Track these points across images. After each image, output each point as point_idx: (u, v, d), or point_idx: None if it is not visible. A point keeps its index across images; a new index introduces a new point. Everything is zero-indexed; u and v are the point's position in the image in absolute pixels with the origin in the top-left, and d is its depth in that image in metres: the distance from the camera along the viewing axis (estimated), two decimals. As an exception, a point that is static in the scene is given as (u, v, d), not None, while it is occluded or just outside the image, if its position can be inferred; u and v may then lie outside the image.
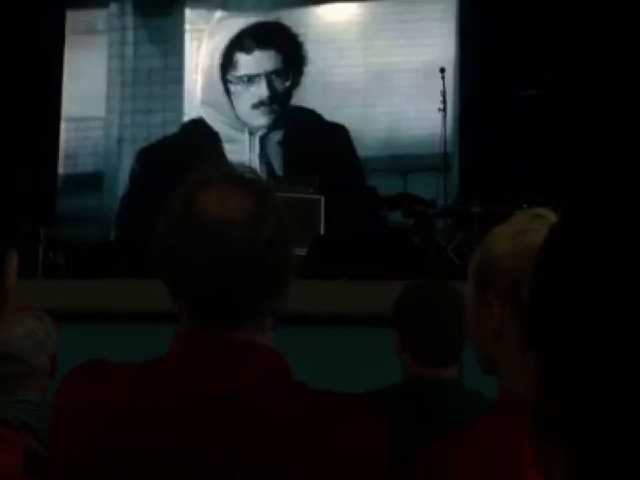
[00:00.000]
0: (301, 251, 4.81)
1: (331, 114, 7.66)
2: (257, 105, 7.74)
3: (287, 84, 7.76)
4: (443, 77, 5.96)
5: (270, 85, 7.76)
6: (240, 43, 7.82)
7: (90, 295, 3.84)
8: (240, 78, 7.82)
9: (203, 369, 1.12)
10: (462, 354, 1.89)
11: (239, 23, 7.84)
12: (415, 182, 6.48)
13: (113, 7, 8.07)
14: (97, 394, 1.13)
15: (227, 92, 7.84)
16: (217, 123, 7.76)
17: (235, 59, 7.83)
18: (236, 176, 1.18)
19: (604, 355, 0.46)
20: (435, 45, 7.41)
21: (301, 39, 7.74)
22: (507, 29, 6.71)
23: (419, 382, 1.83)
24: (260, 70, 7.78)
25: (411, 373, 1.87)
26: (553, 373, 0.49)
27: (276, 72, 7.77)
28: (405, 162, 6.98)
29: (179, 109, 7.97)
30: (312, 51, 7.75)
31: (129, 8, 8.06)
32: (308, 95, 7.75)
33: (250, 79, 7.80)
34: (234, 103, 7.79)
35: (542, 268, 0.52)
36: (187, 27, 7.96)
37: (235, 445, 1.08)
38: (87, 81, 7.93)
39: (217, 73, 7.86)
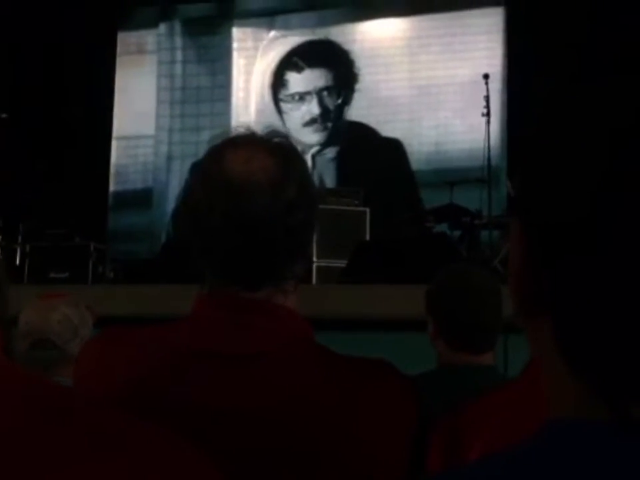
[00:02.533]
0: (344, 263, 4.80)
1: (378, 129, 7.67)
2: (308, 123, 7.79)
3: (339, 101, 7.80)
4: (486, 83, 5.92)
5: (321, 102, 7.81)
6: (290, 62, 7.90)
7: (131, 300, 3.88)
8: (291, 96, 7.90)
9: (224, 328, 1.11)
10: (497, 340, 1.85)
11: (289, 42, 7.93)
12: (462, 194, 6.42)
13: (162, 28, 8.24)
14: (117, 355, 1.13)
15: (279, 111, 7.91)
16: (268, 141, 7.81)
17: (286, 77, 7.91)
18: (263, 138, 1.18)
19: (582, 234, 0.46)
20: (481, 57, 7.38)
21: (352, 56, 7.79)
22: (556, 40, 6.64)
23: (452, 368, 1.79)
24: (311, 87, 7.84)
25: (444, 359, 1.83)
26: (540, 250, 0.48)
27: (327, 89, 7.83)
28: (451, 174, 6.93)
29: (227, 126, 8.07)
30: (358, 66, 7.79)
31: (177, 28, 8.22)
32: (355, 111, 7.78)
33: (301, 97, 7.86)
34: (285, 121, 7.86)
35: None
36: (235, 45, 8.08)
37: (255, 404, 1.06)
38: (137, 100, 8.09)
39: (268, 92, 7.95)
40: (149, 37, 8.24)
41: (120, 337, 1.15)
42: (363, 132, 7.69)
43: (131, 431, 0.57)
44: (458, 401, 1.61)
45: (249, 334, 1.10)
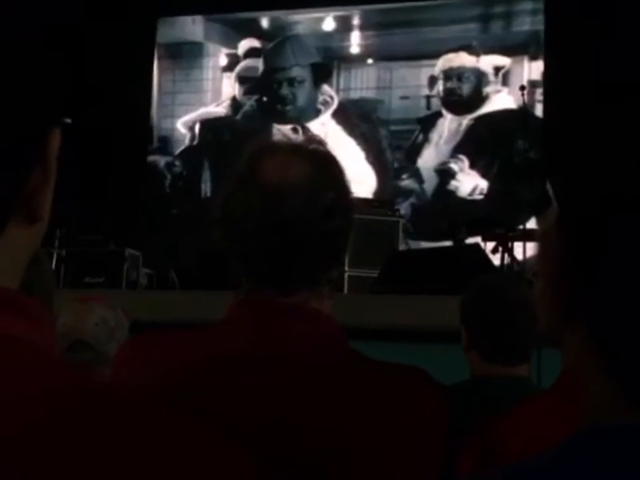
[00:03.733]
0: (376, 272, 4.78)
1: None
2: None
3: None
4: (522, 95, 5.88)
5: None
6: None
7: (164, 306, 3.91)
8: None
9: (259, 332, 1.12)
10: (532, 353, 1.84)
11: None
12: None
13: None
14: (154, 358, 1.14)
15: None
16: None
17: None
18: (300, 145, 1.19)
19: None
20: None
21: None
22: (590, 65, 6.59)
23: (486, 379, 1.78)
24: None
25: (477, 370, 1.82)
26: (576, 253, 0.48)
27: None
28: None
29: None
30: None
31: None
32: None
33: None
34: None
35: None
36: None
37: (290, 407, 1.07)
38: (177, 108, 8.17)
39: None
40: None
41: (156, 340, 1.17)
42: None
43: (167, 421, 0.58)
44: (491, 412, 1.61)
45: (284, 338, 1.11)
